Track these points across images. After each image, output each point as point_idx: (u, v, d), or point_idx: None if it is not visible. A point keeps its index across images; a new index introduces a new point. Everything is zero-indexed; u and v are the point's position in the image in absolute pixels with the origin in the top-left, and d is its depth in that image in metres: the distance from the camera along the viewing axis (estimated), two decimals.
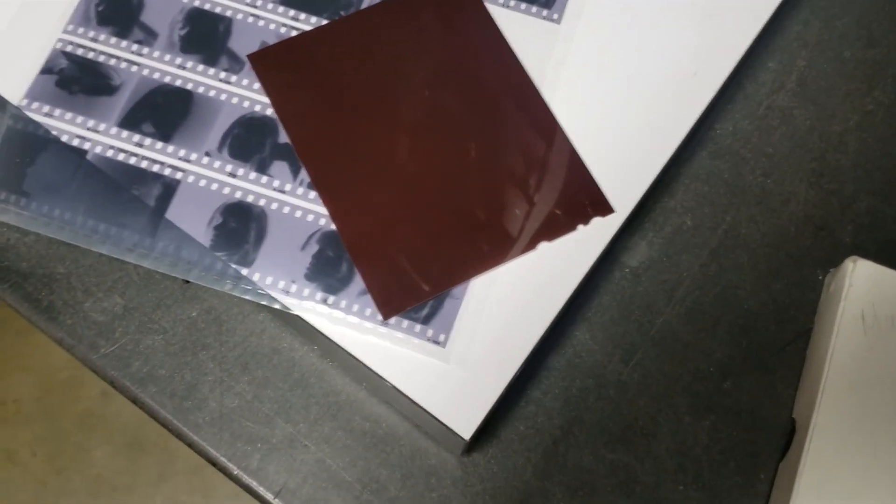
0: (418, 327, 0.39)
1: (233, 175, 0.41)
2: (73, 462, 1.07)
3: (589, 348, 0.42)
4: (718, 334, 0.42)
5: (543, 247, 0.40)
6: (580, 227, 0.41)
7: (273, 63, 0.43)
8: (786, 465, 0.40)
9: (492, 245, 0.40)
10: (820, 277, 0.43)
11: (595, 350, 0.42)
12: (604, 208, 0.41)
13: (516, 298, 0.40)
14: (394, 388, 0.38)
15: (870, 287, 0.40)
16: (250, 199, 0.41)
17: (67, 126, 0.42)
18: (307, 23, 0.44)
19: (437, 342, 0.39)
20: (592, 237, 0.41)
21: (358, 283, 0.39)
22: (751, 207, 0.45)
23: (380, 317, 0.39)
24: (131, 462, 1.07)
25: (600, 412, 0.41)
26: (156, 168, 0.41)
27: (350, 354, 0.38)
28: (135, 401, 0.41)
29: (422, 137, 0.42)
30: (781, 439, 0.41)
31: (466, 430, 0.37)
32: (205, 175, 0.41)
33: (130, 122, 0.42)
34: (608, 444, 0.41)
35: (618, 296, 0.43)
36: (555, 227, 0.41)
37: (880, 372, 0.38)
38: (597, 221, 0.41)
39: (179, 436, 0.40)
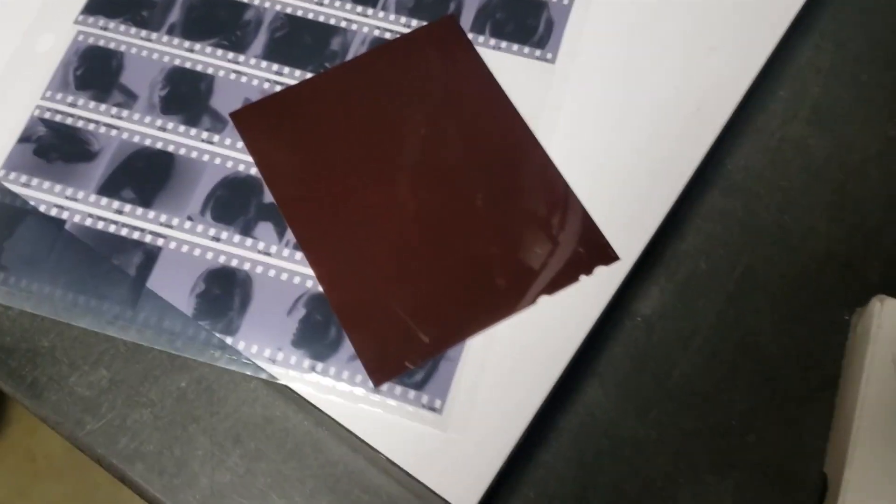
0: (412, 394, 0.36)
1: (216, 239, 0.39)
2: None
3: (601, 405, 0.39)
4: (739, 384, 0.40)
5: (544, 300, 0.38)
6: (583, 278, 0.38)
7: (256, 120, 0.42)
8: None
9: (488, 301, 0.38)
10: (846, 318, 0.41)
11: (608, 407, 0.39)
12: (607, 256, 0.39)
13: (517, 357, 0.37)
14: (388, 459, 0.35)
15: None
16: (234, 263, 0.39)
17: (45, 196, 0.40)
18: (291, 77, 0.43)
19: (433, 409, 0.36)
20: (597, 287, 0.38)
21: (347, 348, 0.37)
22: (768, 247, 0.42)
23: (371, 384, 0.37)
24: None
25: (616, 475, 0.38)
26: (136, 235, 0.40)
27: (341, 425, 0.36)
28: (122, 479, 0.39)
29: (410, 192, 0.40)
30: (812, 497, 0.38)
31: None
32: (187, 240, 0.39)
33: (110, 188, 0.41)
34: None
35: (630, 347, 0.40)
36: (555, 279, 0.38)
37: None
38: (601, 270, 0.39)
39: None
